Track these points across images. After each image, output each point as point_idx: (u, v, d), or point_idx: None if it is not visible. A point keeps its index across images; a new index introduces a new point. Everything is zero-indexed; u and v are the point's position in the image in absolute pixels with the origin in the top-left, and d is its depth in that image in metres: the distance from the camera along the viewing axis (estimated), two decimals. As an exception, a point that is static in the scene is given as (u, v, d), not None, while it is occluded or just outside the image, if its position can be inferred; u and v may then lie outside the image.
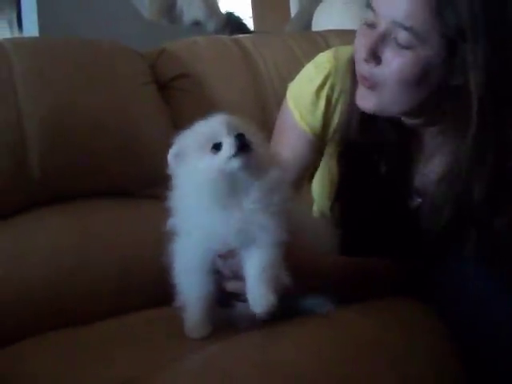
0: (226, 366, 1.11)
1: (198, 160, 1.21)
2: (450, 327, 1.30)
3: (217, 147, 1.20)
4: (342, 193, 1.44)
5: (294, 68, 1.84)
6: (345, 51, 1.48)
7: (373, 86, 1.31)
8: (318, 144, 1.49)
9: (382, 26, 1.27)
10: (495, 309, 1.27)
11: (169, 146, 1.67)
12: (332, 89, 1.46)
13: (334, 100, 1.47)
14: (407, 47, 1.25)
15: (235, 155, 1.18)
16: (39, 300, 1.47)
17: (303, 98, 1.48)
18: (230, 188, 1.19)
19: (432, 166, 1.42)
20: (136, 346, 1.28)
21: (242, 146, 1.18)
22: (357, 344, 1.20)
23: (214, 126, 1.22)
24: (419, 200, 1.43)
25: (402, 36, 1.25)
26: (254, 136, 1.22)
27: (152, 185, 1.67)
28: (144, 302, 1.50)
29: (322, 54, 1.52)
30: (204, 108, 1.80)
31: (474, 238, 1.32)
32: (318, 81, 1.46)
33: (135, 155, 1.66)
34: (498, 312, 1.26)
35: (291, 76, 1.64)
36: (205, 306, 1.25)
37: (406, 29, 1.24)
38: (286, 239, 1.18)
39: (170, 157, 1.25)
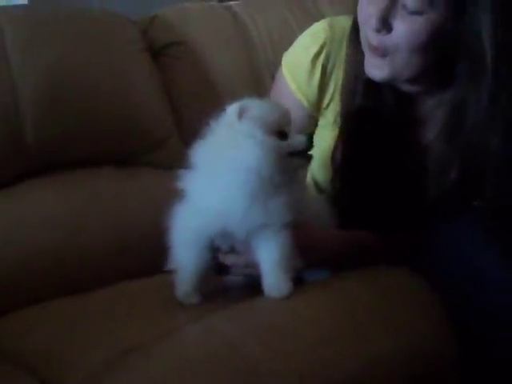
0: (226, 333, 1.13)
1: (263, 134, 1.17)
2: (442, 295, 1.32)
3: (282, 135, 1.20)
4: (343, 158, 1.45)
5: (286, 35, 1.85)
6: (339, 20, 1.49)
7: (385, 54, 1.31)
8: (312, 114, 1.51)
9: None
10: (489, 276, 1.28)
11: (161, 113, 1.70)
12: (327, 58, 1.47)
13: (329, 69, 1.47)
14: (417, 12, 1.25)
15: (300, 153, 1.21)
16: (38, 268, 1.47)
17: (299, 67, 1.49)
18: (275, 175, 1.18)
19: (427, 130, 1.43)
20: (136, 314, 1.29)
21: (308, 147, 1.22)
22: (353, 311, 1.23)
23: (281, 113, 1.22)
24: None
25: (411, 2, 1.25)
26: None
27: (148, 151, 1.69)
28: (143, 269, 1.51)
29: (316, 23, 1.52)
30: (196, 75, 1.83)
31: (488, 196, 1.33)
32: (313, 49, 1.47)
33: (129, 122, 1.66)
34: (492, 279, 1.28)
35: (283, 42, 1.64)
36: (197, 274, 1.27)
37: None
38: (293, 220, 1.20)
39: (233, 109, 1.19)
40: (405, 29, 1.27)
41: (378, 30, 1.29)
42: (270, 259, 1.20)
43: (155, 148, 1.71)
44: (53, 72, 1.57)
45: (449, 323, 1.29)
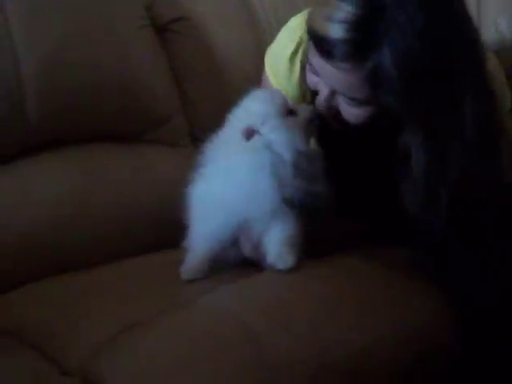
0: (231, 307, 1.14)
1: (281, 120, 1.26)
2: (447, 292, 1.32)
3: (292, 112, 1.29)
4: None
5: (292, 12, 1.82)
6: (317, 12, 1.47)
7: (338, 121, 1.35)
8: None
9: (327, 88, 1.30)
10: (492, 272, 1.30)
11: (166, 89, 1.70)
12: (305, 55, 1.44)
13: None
14: (355, 105, 1.29)
15: (312, 120, 1.31)
16: (41, 245, 1.47)
17: (279, 65, 1.50)
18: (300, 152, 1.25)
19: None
20: (140, 291, 1.29)
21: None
22: (358, 286, 1.24)
23: (283, 98, 1.31)
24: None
25: (347, 100, 1.28)
26: None
27: (152, 128, 1.69)
28: (144, 246, 1.52)
29: (294, 17, 1.53)
30: (201, 51, 1.82)
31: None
32: (290, 48, 1.47)
33: (133, 98, 1.65)
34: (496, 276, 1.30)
35: (288, 19, 1.62)
36: (212, 253, 1.28)
37: (348, 97, 1.27)
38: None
39: (256, 116, 1.26)
40: (348, 112, 1.31)
41: (327, 109, 1.33)
42: (276, 235, 1.22)
43: (160, 124, 1.71)
44: (55, 48, 1.55)
45: (450, 307, 1.30)
